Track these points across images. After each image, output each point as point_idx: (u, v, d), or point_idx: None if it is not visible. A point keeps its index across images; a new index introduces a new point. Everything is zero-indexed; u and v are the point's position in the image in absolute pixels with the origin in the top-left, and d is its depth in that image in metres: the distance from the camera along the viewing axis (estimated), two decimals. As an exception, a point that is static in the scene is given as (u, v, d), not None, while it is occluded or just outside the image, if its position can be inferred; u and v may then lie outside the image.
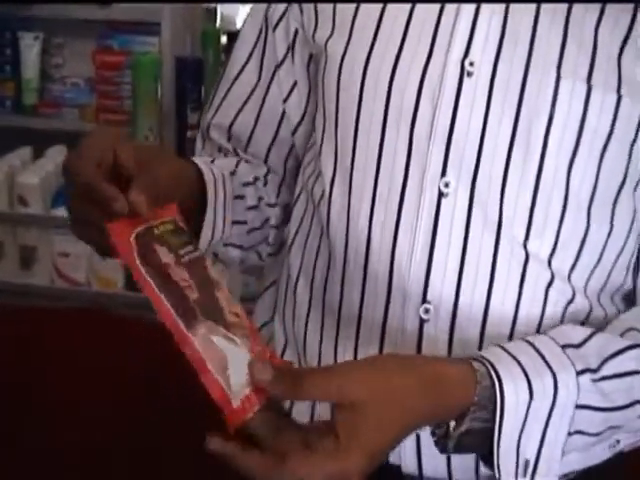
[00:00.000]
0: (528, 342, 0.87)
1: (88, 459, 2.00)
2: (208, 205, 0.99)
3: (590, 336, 0.89)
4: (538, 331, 0.94)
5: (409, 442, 0.99)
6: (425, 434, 0.97)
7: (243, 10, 3.69)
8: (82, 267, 2.27)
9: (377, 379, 0.79)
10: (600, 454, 0.92)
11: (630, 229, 0.95)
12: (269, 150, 1.12)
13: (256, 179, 1.11)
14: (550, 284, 0.93)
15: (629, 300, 1.00)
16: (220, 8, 3.18)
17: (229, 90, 1.10)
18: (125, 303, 2.24)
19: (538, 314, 0.93)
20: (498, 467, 0.84)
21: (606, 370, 0.87)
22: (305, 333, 1.06)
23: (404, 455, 0.99)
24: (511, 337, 0.93)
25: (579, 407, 0.85)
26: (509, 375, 0.83)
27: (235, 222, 1.05)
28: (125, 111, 2.40)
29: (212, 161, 1.07)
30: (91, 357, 2.18)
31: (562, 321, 0.95)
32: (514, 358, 0.85)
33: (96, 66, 2.43)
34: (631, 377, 0.88)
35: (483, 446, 0.84)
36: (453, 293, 0.93)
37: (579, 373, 0.85)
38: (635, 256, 0.98)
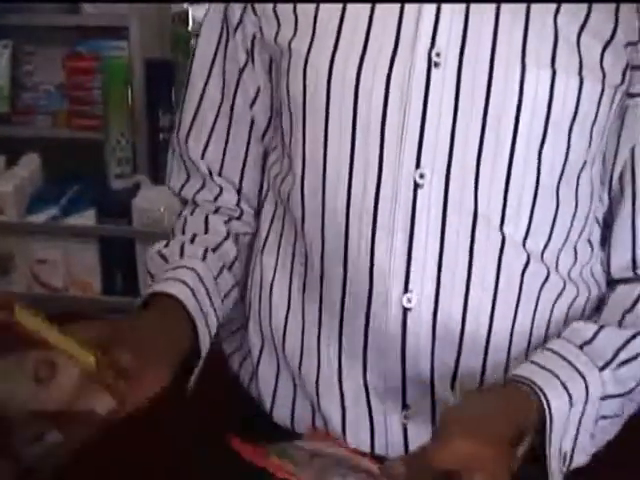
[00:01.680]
0: (554, 352, 0.93)
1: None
2: (201, 345, 0.99)
3: (599, 330, 0.95)
4: (516, 313, 0.97)
5: (396, 433, 1.01)
6: (412, 425, 1.00)
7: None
8: (59, 273, 2.27)
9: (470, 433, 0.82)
10: (616, 427, 0.98)
11: (590, 208, 0.98)
12: (244, 164, 1.11)
13: (228, 221, 1.12)
14: (526, 265, 0.95)
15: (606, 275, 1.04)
16: (191, 11, 3.19)
17: (198, 107, 1.09)
18: (102, 308, 2.24)
19: (516, 294, 0.96)
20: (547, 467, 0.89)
21: (619, 359, 0.93)
22: (284, 334, 1.06)
23: (391, 447, 1.01)
24: (492, 319, 0.96)
25: (603, 398, 0.91)
26: (555, 396, 0.88)
27: (225, 296, 1.07)
28: (97, 116, 2.40)
29: (181, 253, 1.06)
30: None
31: (538, 300, 0.98)
32: (552, 373, 0.90)
33: (67, 72, 2.43)
34: (637, 361, 0.94)
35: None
36: (434, 281, 0.94)
37: (601, 369, 0.91)
38: (599, 233, 1.02)
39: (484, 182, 0.92)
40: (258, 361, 1.10)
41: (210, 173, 1.11)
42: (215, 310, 1.02)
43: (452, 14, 0.91)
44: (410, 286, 0.95)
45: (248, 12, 1.02)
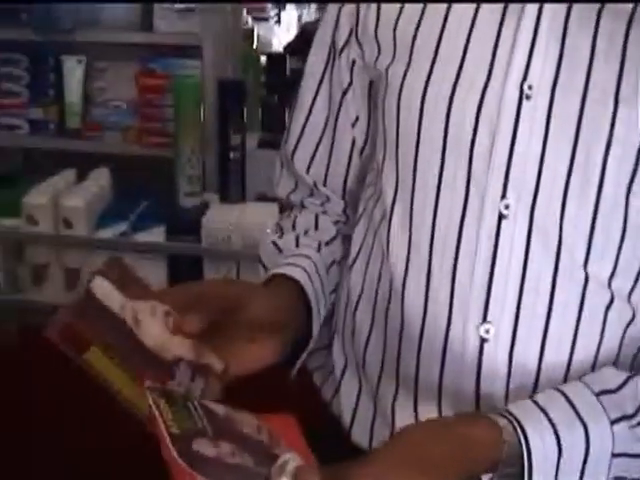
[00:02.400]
0: (560, 392, 0.89)
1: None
2: (314, 326, 1.02)
3: (627, 380, 0.90)
4: (597, 353, 0.95)
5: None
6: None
7: (278, 32, 3.73)
8: (126, 289, 2.27)
9: (405, 461, 0.80)
10: None
11: None
12: (345, 180, 1.14)
13: (337, 223, 1.15)
14: (610, 305, 0.94)
15: None
16: (256, 29, 3.21)
17: (306, 122, 1.13)
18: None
19: (598, 334, 0.94)
20: None
21: None
22: (365, 353, 1.07)
23: None
24: (571, 357, 0.94)
25: (616, 455, 0.86)
26: (537, 432, 0.84)
27: (332, 291, 1.11)
28: (168, 133, 2.42)
29: (297, 243, 1.10)
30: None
31: (622, 342, 0.96)
32: (543, 411, 0.86)
33: (139, 89, 2.45)
34: None
35: None
36: (513, 314, 0.94)
37: (614, 422, 0.87)
38: None
39: (569, 218, 0.91)
40: (341, 379, 1.11)
41: (315, 185, 1.14)
42: (325, 301, 1.06)
43: (547, 47, 0.90)
44: (489, 317, 0.94)
45: (352, 36, 1.04)
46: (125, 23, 2.44)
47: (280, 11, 3.78)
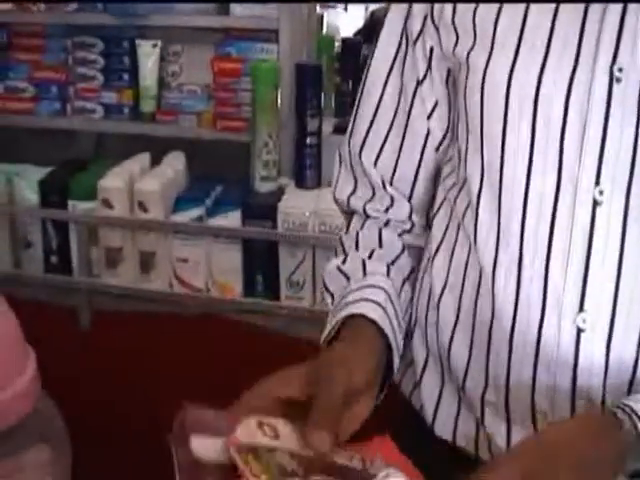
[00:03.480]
0: None
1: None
2: (394, 359, 0.99)
3: None
4: None
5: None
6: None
7: (345, 18, 3.72)
8: (201, 273, 2.27)
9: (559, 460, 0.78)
10: None
11: None
12: (416, 175, 1.11)
13: (401, 234, 1.12)
14: None
15: None
16: (326, 15, 3.20)
17: (374, 115, 1.09)
18: (242, 309, 2.24)
19: None
20: None
21: None
22: (449, 348, 1.04)
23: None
24: None
25: None
26: None
27: (405, 312, 1.08)
28: (243, 118, 2.41)
29: (364, 271, 1.06)
30: (211, 363, 2.19)
31: None
32: None
33: (214, 73, 2.44)
34: None
35: None
36: (610, 302, 0.91)
37: None
38: None
39: None
40: (422, 372, 1.08)
41: (382, 183, 1.10)
42: (401, 328, 1.02)
43: (637, 26, 0.88)
44: (585, 306, 0.91)
45: (427, 23, 1.02)
46: (201, 7, 2.42)
47: (347, -2, 3.76)
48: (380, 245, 1.10)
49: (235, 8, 2.39)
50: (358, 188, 1.13)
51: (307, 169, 2.30)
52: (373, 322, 0.97)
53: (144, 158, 2.46)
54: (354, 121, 1.12)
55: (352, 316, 0.98)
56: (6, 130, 2.63)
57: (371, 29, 3.15)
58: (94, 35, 2.53)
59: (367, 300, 1.00)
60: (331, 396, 0.83)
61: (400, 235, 1.12)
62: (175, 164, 2.42)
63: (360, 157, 1.11)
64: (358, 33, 3.31)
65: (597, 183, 0.90)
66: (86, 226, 2.33)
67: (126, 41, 2.53)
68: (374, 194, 1.12)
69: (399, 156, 1.10)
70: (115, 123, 2.55)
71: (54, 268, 2.40)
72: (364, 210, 1.13)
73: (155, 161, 2.45)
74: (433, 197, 1.12)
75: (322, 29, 3.08)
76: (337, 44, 2.84)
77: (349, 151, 1.13)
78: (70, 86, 2.58)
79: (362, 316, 0.97)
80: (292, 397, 0.85)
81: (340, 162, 1.15)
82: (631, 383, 0.93)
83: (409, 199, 1.12)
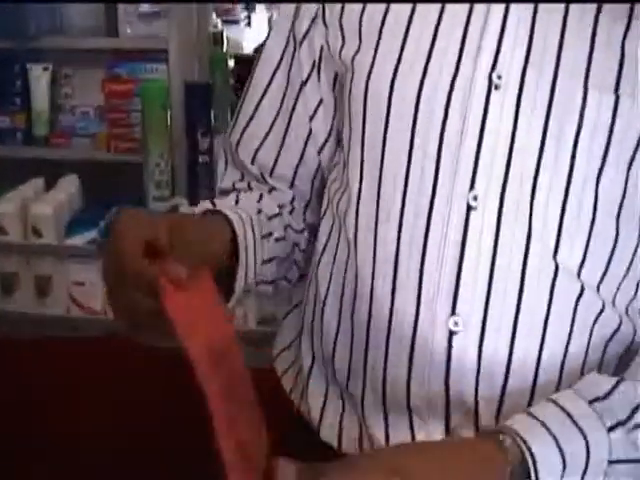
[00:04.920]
0: (554, 402, 0.87)
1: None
2: (240, 253, 0.99)
3: (616, 385, 0.88)
4: (567, 345, 0.94)
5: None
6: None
7: (249, 34, 3.71)
8: (98, 295, 2.26)
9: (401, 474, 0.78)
10: None
11: None
12: (295, 172, 1.11)
13: (281, 207, 1.11)
14: (580, 296, 0.93)
15: None
16: (226, 32, 3.19)
17: (255, 111, 1.09)
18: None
19: (567, 326, 0.93)
20: None
21: (636, 420, 0.86)
22: (334, 350, 1.05)
23: None
24: (541, 348, 0.93)
25: (612, 462, 0.85)
26: (542, 448, 0.82)
27: (265, 261, 1.05)
28: (136, 139, 2.40)
29: (236, 201, 1.07)
30: (112, 385, 2.18)
31: (591, 335, 0.94)
32: (543, 425, 0.84)
33: (105, 95, 2.43)
34: None
35: None
36: (482, 306, 0.93)
37: (610, 429, 0.85)
38: None
39: (539, 207, 0.90)
40: (308, 376, 1.09)
41: (262, 175, 1.11)
42: (255, 254, 1.01)
43: (516, 33, 0.90)
44: (457, 309, 0.93)
45: (317, 23, 1.02)
46: (90, 28, 2.41)
47: (250, 13, 3.76)
48: (259, 201, 1.10)
49: (125, 29, 2.39)
50: (245, 178, 1.14)
51: (200, 187, 2.30)
52: (227, 219, 0.99)
53: (38, 182, 2.44)
54: (236, 118, 1.12)
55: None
56: None
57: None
58: (-16, 59, 2.50)
59: (226, 207, 1.02)
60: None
61: (281, 207, 1.11)
62: (68, 187, 2.41)
63: (237, 152, 1.12)
64: (257, 49, 3.31)
65: (472, 188, 0.91)
66: (-21, 253, 2.31)
67: (17, 65, 2.51)
68: (258, 182, 1.13)
69: (280, 150, 1.10)
70: (8, 147, 2.52)
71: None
72: (249, 186, 1.13)
73: (50, 185, 2.43)
74: (319, 201, 1.12)
75: (223, 46, 3.07)
76: (232, 61, 2.84)
77: (230, 145, 1.13)
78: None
79: (216, 212, 1.00)
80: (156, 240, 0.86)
81: (225, 158, 1.15)
82: (503, 387, 0.94)
83: (290, 187, 1.12)
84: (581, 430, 0.84)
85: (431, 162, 0.93)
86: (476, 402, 0.95)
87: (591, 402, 0.86)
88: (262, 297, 2.32)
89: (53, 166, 2.48)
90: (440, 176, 0.93)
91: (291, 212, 1.12)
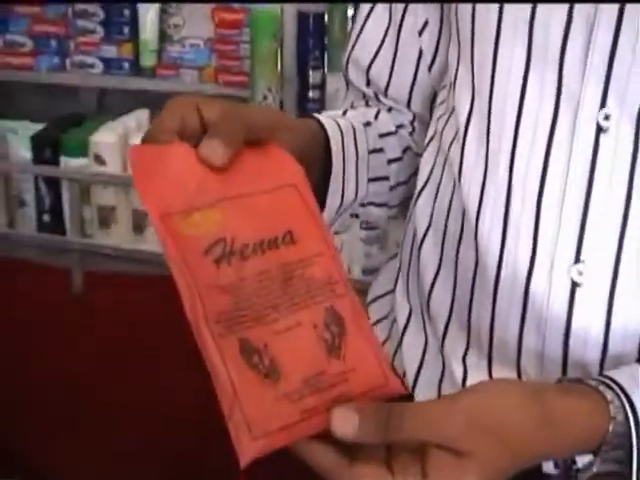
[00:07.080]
0: None
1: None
2: (334, 165, 0.87)
3: None
4: None
5: None
6: None
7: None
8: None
9: (489, 421, 0.66)
10: None
11: None
12: (411, 92, 1.01)
13: (400, 127, 1.01)
14: None
15: None
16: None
17: (364, 25, 1.00)
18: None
19: None
20: None
21: None
22: (429, 297, 0.92)
23: None
24: None
25: None
26: None
27: (373, 179, 0.94)
28: (245, 72, 2.29)
29: (344, 112, 0.98)
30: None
31: None
32: None
33: (215, 25, 2.33)
34: None
35: None
36: (614, 250, 0.77)
37: None
38: None
39: None
40: (404, 331, 0.96)
41: (376, 95, 1.02)
42: (358, 168, 0.92)
43: None
44: (582, 256, 0.77)
45: None
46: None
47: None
48: (376, 118, 1.00)
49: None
50: (362, 99, 1.05)
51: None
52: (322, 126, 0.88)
53: (142, 114, 2.36)
54: (350, 34, 1.04)
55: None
56: (4, 85, 2.54)
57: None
58: (95, -14, 2.43)
59: (328, 117, 0.91)
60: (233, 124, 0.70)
61: (399, 127, 1.02)
62: (172, 119, 2.31)
63: (348, 71, 1.04)
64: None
65: (603, 105, 0.76)
66: (78, 184, 2.23)
67: (127, -8, 2.43)
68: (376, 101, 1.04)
69: (392, 67, 1.00)
70: (115, 78, 2.45)
71: (47, 227, 2.32)
72: (366, 103, 1.04)
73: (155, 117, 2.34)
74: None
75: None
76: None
77: (345, 67, 1.05)
78: (70, 40, 2.48)
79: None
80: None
81: (345, 81, 1.06)
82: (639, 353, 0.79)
83: (408, 107, 1.03)
84: None
85: (553, 75, 0.79)
86: (601, 368, 0.80)
87: None
88: (369, 245, 2.21)
89: (159, 98, 2.39)
90: (563, 91, 0.78)
91: (412, 133, 1.02)
